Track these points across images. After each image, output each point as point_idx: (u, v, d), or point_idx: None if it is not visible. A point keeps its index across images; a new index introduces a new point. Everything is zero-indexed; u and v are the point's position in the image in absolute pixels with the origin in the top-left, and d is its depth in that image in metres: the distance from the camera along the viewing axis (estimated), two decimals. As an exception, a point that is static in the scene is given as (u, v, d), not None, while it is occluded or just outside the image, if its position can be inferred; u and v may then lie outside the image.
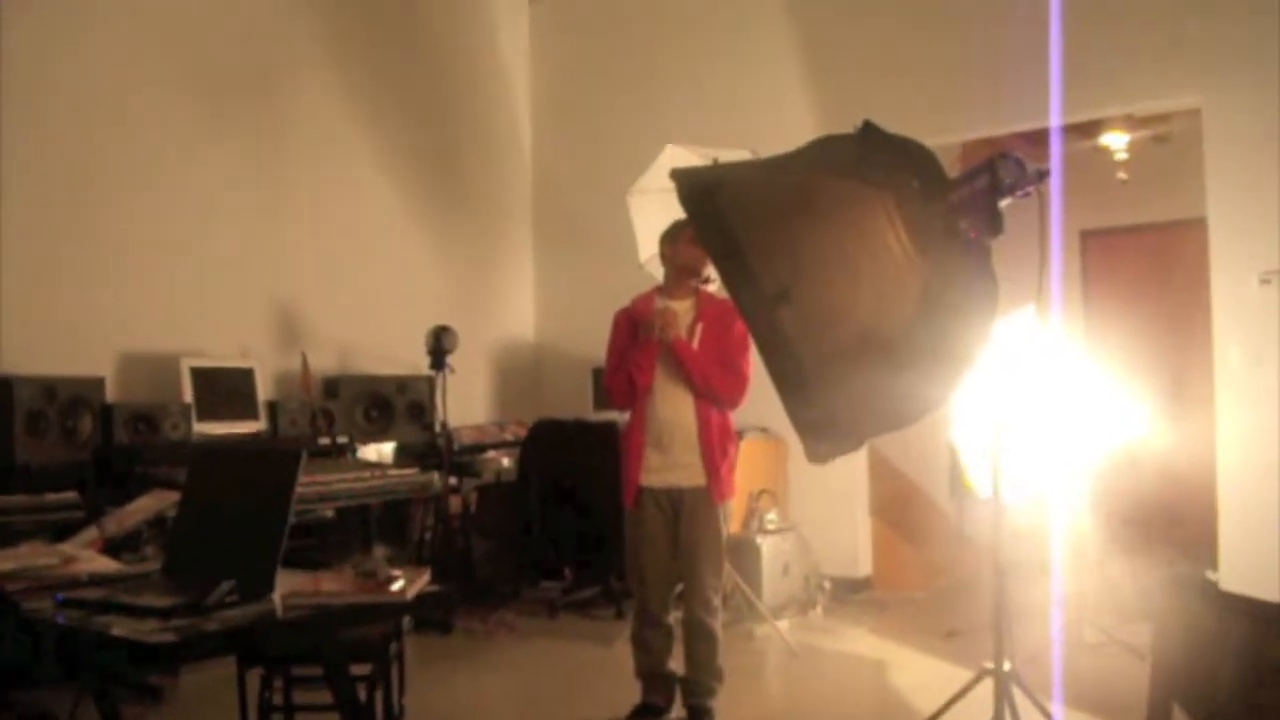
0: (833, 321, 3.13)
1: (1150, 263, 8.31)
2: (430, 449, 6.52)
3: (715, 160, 3.32)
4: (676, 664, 4.58)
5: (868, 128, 3.18)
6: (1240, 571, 5.23)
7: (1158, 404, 6.31)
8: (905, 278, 3.04)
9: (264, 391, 6.06)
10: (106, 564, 2.89)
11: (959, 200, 3.01)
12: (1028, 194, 3.02)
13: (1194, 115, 6.05)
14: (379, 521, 5.97)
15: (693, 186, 3.30)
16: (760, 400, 4.76)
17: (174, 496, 3.27)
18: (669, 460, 4.47)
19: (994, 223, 2.97)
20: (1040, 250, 3.27)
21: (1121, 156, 7.37)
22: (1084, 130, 7.15)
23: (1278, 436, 5.33)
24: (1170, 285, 8.00)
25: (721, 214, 3.25)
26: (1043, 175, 3.01)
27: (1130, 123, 7.17)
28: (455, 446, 6.68)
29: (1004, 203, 3.00)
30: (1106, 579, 5.92)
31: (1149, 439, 6.09)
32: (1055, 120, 5.62)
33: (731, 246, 3.21)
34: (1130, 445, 5.77)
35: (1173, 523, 7.34)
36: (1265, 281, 5.41)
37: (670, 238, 4.59)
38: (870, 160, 3.18)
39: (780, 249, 3.19)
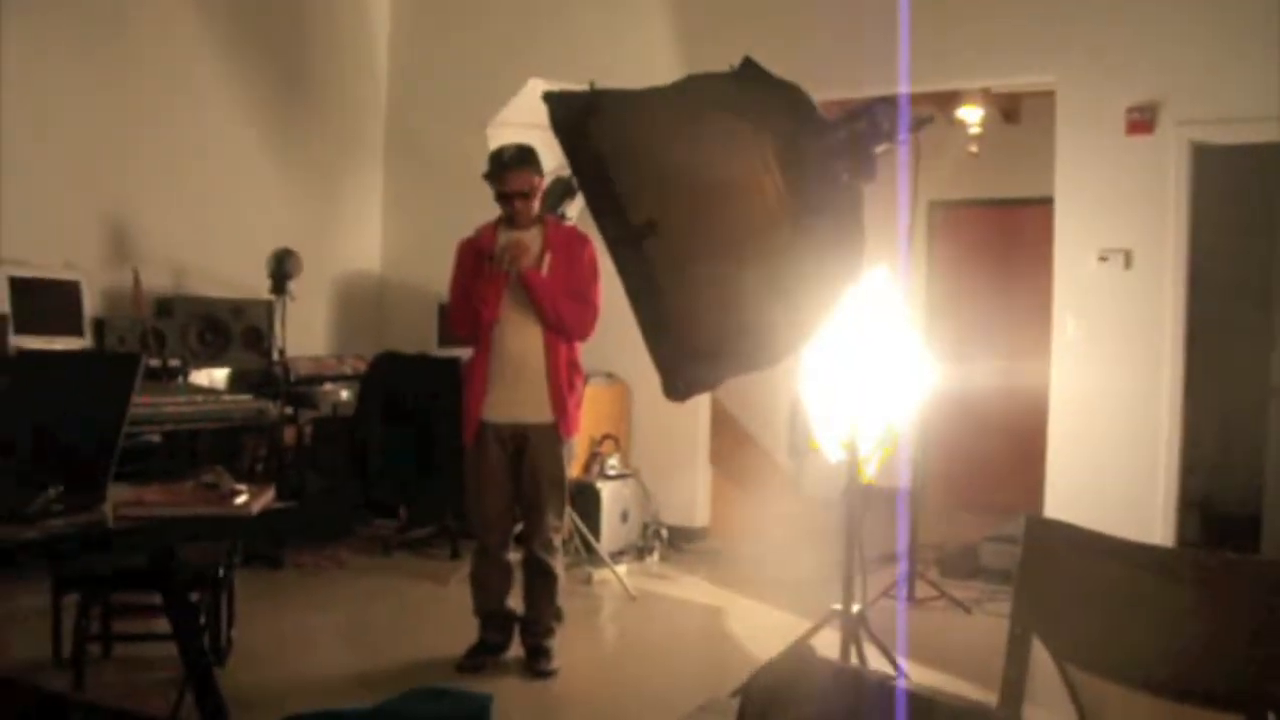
0: (699, 256, 3.09)
1: (994, 236, 8.56)
2: (266, 378, 6.27)
3: (592, 84, 3.25)
4: (515, 603, 4.53)
5: (747, 64, 3.14)
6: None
7: (992, 367, 6.52)
8: (776, 215, 3.02)
9: (91, 307, 5.71)
10: (-88, 469, 2.66)
11: (836, 143, 2.99)
12: (904, 141, 3.02)
13: (1044, 97, 6.24)
14: (209, 449, 5.73)
15: (566, 111, 3.21)
16: (606, 344, 4.73)
17: (-9, 402, 3.05)
18: (514, 395, 4.38)
19: (868, 167, 2.97)
20: (902, 209, 3.30)
21: (975, 131, 7.53)
22: (940, 103, 7.28)
23: (1103, 401, 5.60)
24: (1011, 259, 8.26)
25: (592, 140, 3.17)
26: (921, 123, 3.02)
27: (986, 98, 7.33)
28: (292, 376, 6.45)
29: (880, 149, 3.00)
30: (937, 535, 6.11)
31: (982, 400, 6.28)
32: (904, 87, 5.69)
33: (601, 174, 3.13)
34: (964, 405, 5.93)
35: (1002, 481, 7.61)
36: (1103, 259, 5.65)
37: (495, 177, 4.41)
38: (747, 97, 3.14)
39: (650, 179, 3.13)
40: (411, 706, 3.05)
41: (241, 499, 2.44)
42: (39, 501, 2.23)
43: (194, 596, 3.85)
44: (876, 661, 3.57)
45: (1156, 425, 5.48)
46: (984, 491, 7.78)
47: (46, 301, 5.53)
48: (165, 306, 6.16)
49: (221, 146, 6.81)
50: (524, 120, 5.64)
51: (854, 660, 3.38)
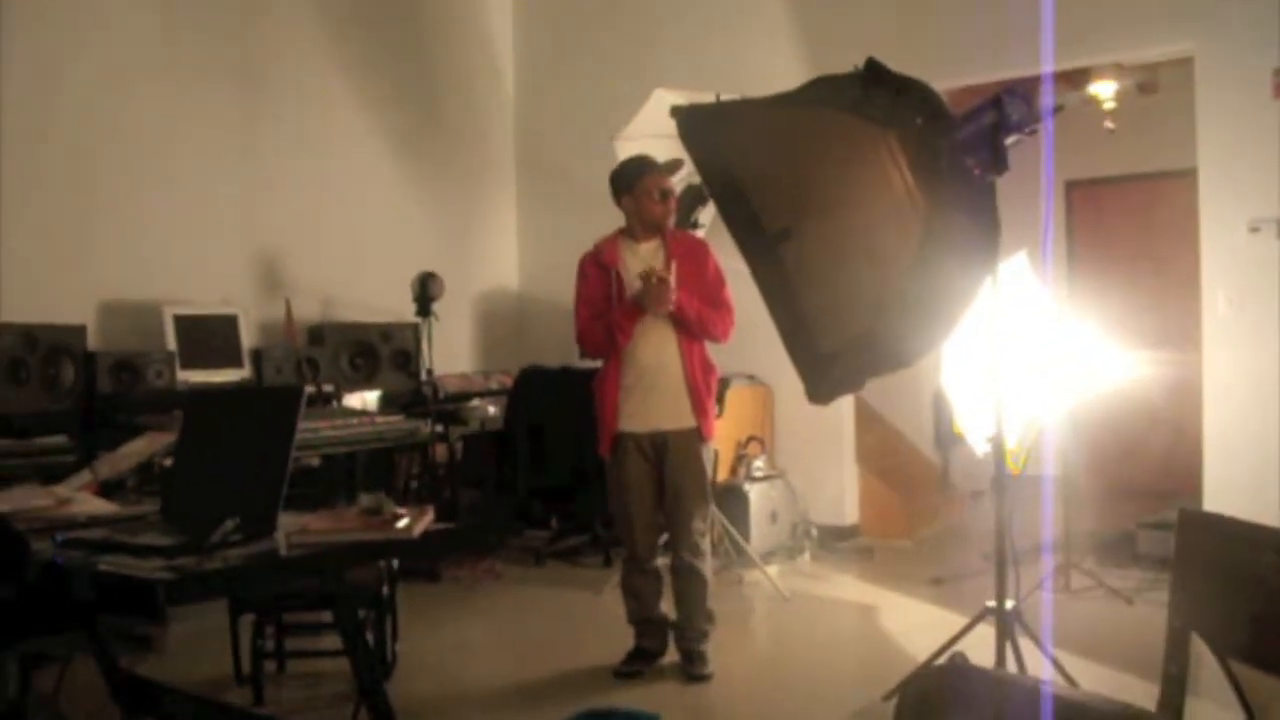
0: (835, 259, 3.11)
1: (1135, 213, 8.32)
2: (415, 397, 6.46)
3: (718, 96, 3.28)
4: (668, 608, 4.57)
5: (871, 65, 3.14)
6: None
7: (1141, 350, 6.32)
8: (907, 215, 3.02)
9: (248, 339, 5.99)
10: (103, 505, 2.84)
11: (964, 137, 2.98)
12: (1034, 131, 2.99)
13: (1182, 65, 6.04)
14: (364, 470, 5.93)
15: (693, 123, 3.26)
16: (747, 347, 4.75)
17: (168, 439, 3.23)
18: (652, 404, 4.39)
19: (999, 160, 2.95)
20: (1046, 198, 3.25)
21: (1109, 106, 7.34)
22: (1071, 79, 7.12)
23: (1262, 380, 5.39)
24: (1154, 235, 8.02)
25: (722, 151, 3.22)
26: (1051, 112, 2.98)
27: (1119, 72, 7.14)
28: (440, 395, 6.63)
29: (1010, 140, 2.98)
30: (1092, 523, 5.97)
31: (1133, 384, 6.10)
32: (1047, 67, 5.56)
33: (732, 183, 3.18)
34: (1115, 391, 5.76)
35: (1156, 467, 7.41)
36: (1254, 230, 5.44)
37: (626, 190, 4.41)
38: (872, 98, 3.15)
39: (782, 186, 3.16)
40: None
41: (403, 523, 2.53)
42: (219, 533, 2.35)
43: (361, 614, 4.00)
44: (1034, 657, 3.52)
45: (1322, 403, 5.26)
46: (1138, 477, 7.58)
47: (208, 336, 5.82)
48: (316, 334, 6.41)
49: (362, 180, 7.05)
50: (651, 131, 5.71)
51: (1010, 658, 3.34)
